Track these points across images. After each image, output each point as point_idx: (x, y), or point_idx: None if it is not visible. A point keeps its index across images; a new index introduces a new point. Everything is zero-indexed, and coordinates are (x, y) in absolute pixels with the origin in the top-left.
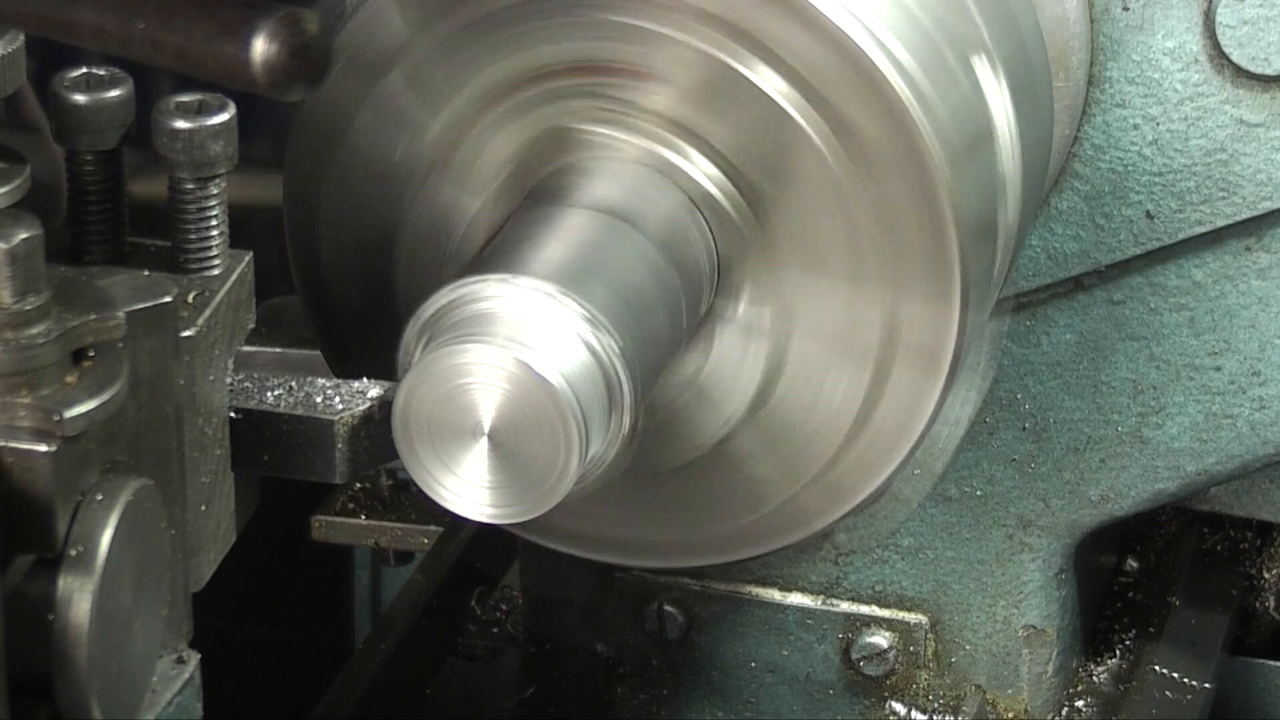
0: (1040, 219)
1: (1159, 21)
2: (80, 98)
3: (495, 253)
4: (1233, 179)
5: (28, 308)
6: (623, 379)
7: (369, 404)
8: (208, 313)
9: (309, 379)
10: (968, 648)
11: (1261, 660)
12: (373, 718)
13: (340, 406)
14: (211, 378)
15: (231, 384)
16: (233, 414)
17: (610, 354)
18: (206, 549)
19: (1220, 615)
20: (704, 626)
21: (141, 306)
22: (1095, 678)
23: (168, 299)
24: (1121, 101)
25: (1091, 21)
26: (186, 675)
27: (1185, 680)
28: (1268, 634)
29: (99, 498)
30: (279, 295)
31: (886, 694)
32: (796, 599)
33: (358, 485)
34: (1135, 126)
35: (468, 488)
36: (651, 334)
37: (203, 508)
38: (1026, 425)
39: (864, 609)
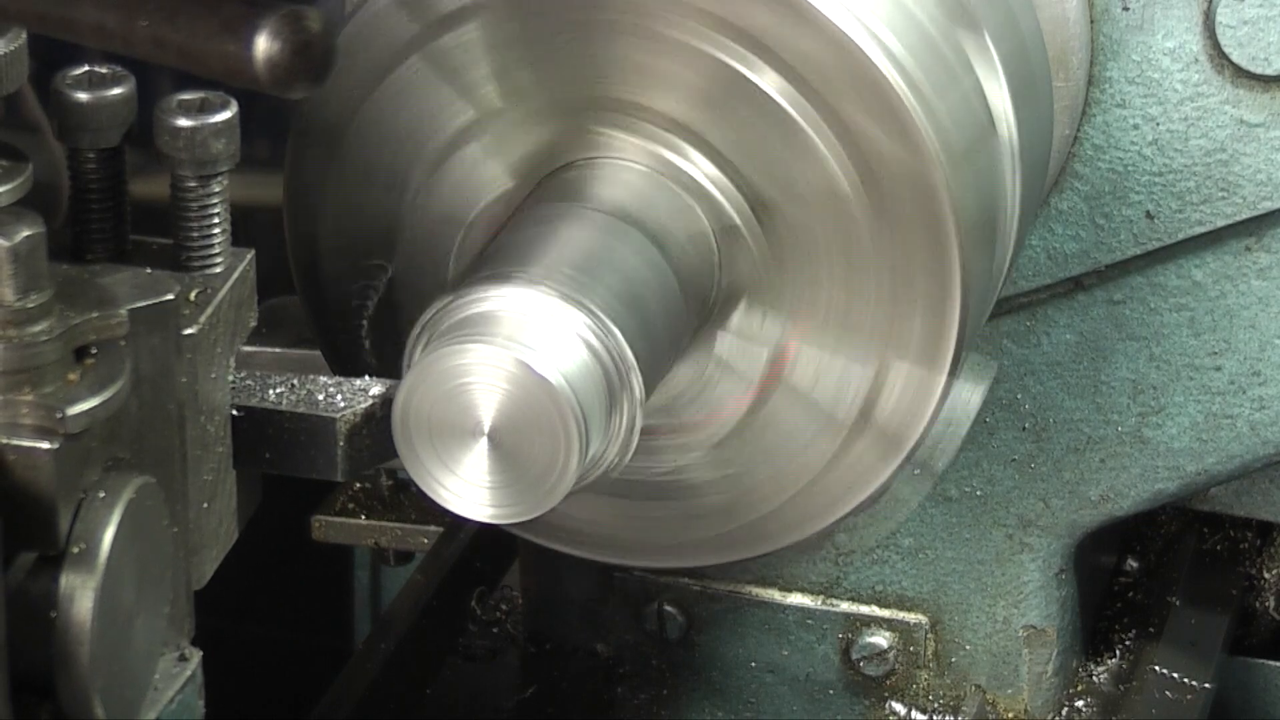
0: (1040, 219)
1: (1159, 21)
2: (82, 95)
3: (496, 253)
4: (1233, 179)
5: (30, 305)
6: (623, 379)
7: (371, 402)
8: (210, 310)
9: (311, 377)
10: (968, 648)
11: (1261, 660)
12: (373, 718)
13: (342, 404)
14: (214, 375)
15: (233, 382)
16: (235, 412)
17: (611, 354)
18: (209, 547)
19: (1220, 615)
20: (704, 626)
21: (144, 304)
22: (1095, 678)
23: (170, 297)
24: (1121, 101)
25: (1091, 21)
26: (189, 673)
27: (1185, 680)
28: (1268, 634)
29: (101, 495)
30: (279, 295)
31: (886, 694)
32: (796, 599)
33: (358, 485)
34: (1135, 126)
35: (468, 488)
36: (652, 334)
37: (205, 505)
38: (1026, 425)
39: (864, 609)
